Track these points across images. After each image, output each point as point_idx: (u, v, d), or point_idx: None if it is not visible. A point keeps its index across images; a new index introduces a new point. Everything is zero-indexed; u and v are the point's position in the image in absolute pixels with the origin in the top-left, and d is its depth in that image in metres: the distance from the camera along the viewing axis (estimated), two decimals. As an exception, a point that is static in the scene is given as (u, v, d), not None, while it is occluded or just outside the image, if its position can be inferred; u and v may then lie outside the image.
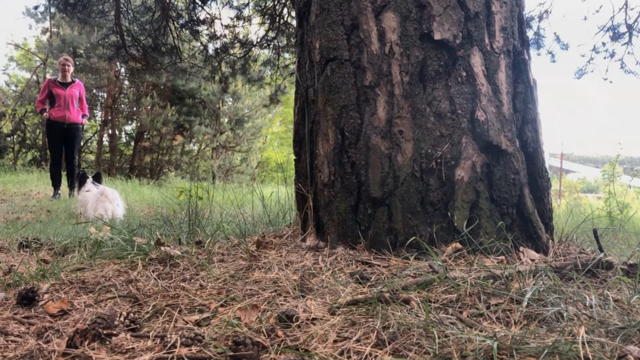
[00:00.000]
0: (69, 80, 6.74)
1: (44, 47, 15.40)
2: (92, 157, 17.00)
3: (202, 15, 7.00)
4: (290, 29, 7.06)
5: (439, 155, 1.84)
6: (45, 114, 6.63)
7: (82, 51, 14.27)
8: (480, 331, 1.11)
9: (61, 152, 6.90)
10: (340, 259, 1.77)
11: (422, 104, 1.87)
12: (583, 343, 0.98)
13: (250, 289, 1.48)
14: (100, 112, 16.83)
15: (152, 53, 6.87)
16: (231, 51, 7.42)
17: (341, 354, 1.02)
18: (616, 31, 6.66)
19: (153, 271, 1.70)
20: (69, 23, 13.26)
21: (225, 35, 7.27)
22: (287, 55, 8.03)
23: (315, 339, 1.09)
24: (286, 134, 23.13)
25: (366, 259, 1.76)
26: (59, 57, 7.07)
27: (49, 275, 1.68)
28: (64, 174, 7.11)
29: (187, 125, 15.48)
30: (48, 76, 12.51)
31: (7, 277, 1.66)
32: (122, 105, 17.01)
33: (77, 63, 14.20)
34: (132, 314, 1.20)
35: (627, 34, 6.57)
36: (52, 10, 10.95)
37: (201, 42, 7.48)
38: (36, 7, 8.25)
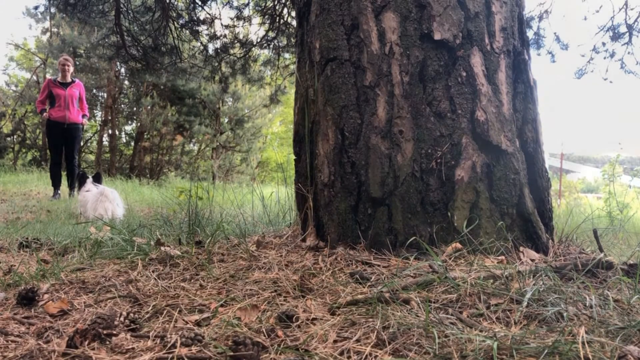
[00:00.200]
0: (69, 80, 6.74)
1: (44, 47, 15.40)
2: (92, 157, 17.00)
3: (202, 15, 7.01)
4: (290, 29, 7.06)
5: (439, 155, 1.84)
6: (45, 114, 6.63)
7: (82, 51, 14.28)
8: (480, 331, 1.11)
9: (61, 152, 6.90)
10: (340, 259, 1.77)
11: (422, 104, 1.87)
12: (583, 343, 0.98)
13: (250, 289, 1.48)
14: (100, 112, 16.84)
15: (152, 53, 6.87)
16: (231, 51, 7.42)
17: (341, 354, 1.02)
18: (616, 31, 6.66)
19: (153, 271, 1.70)
20: (69, 23, 13.26)
21: (225, 35, 7.27)
22: (287, 55, 8.03)
23: (315, 339, 1.09)
24: (286, 134, 23.13)
25: (366, 259, 1.76)
26: (58, 57, 7.07)
27: (49, 275, 1.68)
28: (64, 174, 7.11)
29: (187, 125, 15.48)
30: (48, 76, 12.52)
31: (7, 277, 1.66)
32: (122, 105, 17.02)
33: (77, 63, 14.20)
34: (132, 314, 1.20)
35: (627, 34, 6.57)
36: (52, 10, 10.96)
37: (201, 42, 7.48)
38: (36, 7, 8.27)
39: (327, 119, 2.00)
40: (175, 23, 6.78)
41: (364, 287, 1.47)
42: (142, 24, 6.88)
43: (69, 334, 1.09)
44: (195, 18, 6.91)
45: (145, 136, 15.72)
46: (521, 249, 1.81)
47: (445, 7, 1.89)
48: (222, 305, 1.34)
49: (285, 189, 3.32)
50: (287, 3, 6.69)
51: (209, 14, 7.01)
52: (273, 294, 1.44)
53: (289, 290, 1.46)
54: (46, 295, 1.44)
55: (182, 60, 7.49)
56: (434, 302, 1.30)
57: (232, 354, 0.99)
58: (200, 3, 6.87)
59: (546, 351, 0.96)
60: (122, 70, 15.36)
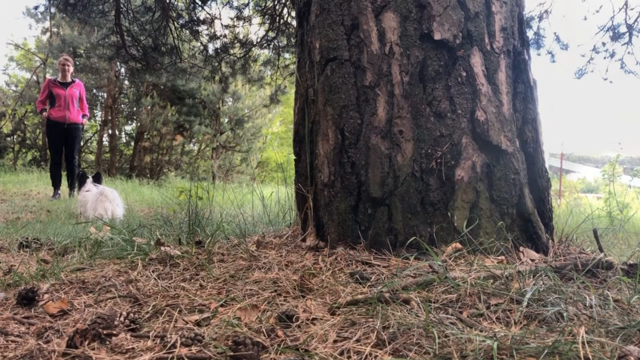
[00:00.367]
0: (69, 80, 6.74)
1: (44, 47, 15.40)
2: (92, 157, 17.00)
3: (202, 15, 7.01)
4: (290, 29, 7.06)
5: (439, 155, 1.84)
6: (45, 113, 6.63)
7: (82, 51, 14.28)
8: (480, 331, 1.11)
9: (61, 152, 6.90)
10: (340, 259, 1.77)
11: (422, 104, 1.87)
12: (583, 343, 0.98)
13: (250, 289, 1.48)
14: (100, 112, 16.84)
15: (152, 53, 6.87)
16: (231, 51, 7.41)
17: (341, 354, 1.02)
18: (616, 31, 6.66)
19: (153, 271, 1.70)
20: (69, 23, 13.26)
21: (225, 35, 7.27)
22: (287, 55, 8.03)
23: (315, 339, 1.09)
24: (286, 134, 23.13)
25: (366, 259, 1.76)
26: (58, 57, 7.07)
27: (49, 275, 1.68)
28: (64, 174, 7.11)
29: (187, 125, 15.48)
30: (48, 76, 12.52)
31: (7, 277, 1.66)
32: (122, 105, 17.02)
33: (77, 63, 14.20)
34: (132, 314, 1.20)
35: (627, 34, 6.57)
36: (52, 10, 10.96)
37: (201, 42, 7.48)
38: (36, 7, 8.27)
39: (327, 119, 2.00)
40: (175, 23, 6.78)
41: (364, 287, 1.47)
42: (142, 24, 6.88)
43: (69, 334, 1.09)
44: (195, 18, 6.91)
45: (145, 136, 15.72)
46: (521, 249, 1.81)
47: (445, 7, 1.89)
48: (222, 305, 1.34)
49: (285, 189, 3.32)
50: (287, 3, 6.69)
51: (209, 14, 7.01)
52: (273, 294, 1.44)
53: (289, 290, 1.46)
54: (46, 295, 1.44)
55: (182, 60, 7.49)
56: (434, 302, 1.30)
57: (232, 354, 0.99)
58: (200, 3, 6.87)
59: (546, 351, 0.96)
60: (122, 70, 15.37)
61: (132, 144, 16.51)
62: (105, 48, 8.21)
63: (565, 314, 1.18)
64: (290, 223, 2.59)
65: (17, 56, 18.49)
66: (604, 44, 6.88)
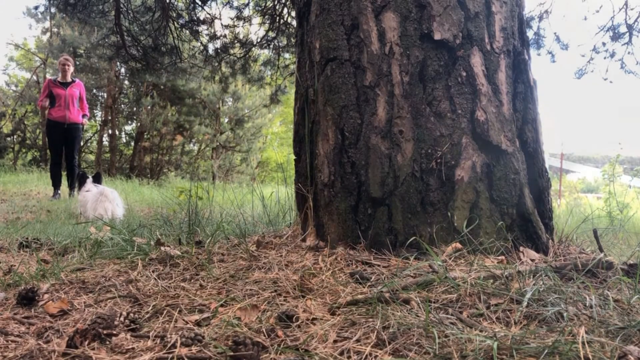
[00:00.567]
0: (69, 80, 6.74)
1: (44, 47, 15.41)
2: (92, 157, 17.00)
3: (202, 15, 7.01)
4: (290, 29, 7.06)
5: (439, 155, 1.84)
6: (47, 102, 6.61)
7: (82, 51, 14.28)
8: (480, 331, 1.11)
9: (61, 152, 6.90)
10: (340, 259, 1.77)
11: (422, 104, 1.87)
12: (583, 343, 0.98)
13: (250, 289, 1.48)
14: (100, 112, 16.84)
15: (152, 53, 6.87)
16: (231, 51, 7.41)
17: (341, 354, 1.02)
18: (616, 31, 6.66)
19: (153, 271, 1.70)
20: (69, 23, 13.26)
21: (225, 35, 7.27)
22: (287, 55, 8.03)
23: (315, 339, 1.09)
24: (286, 134, 23.13)
25: (366, 259, 1.76)
26: (59, 57, 7.07)
27: (49, 275, 1.68)
28: (64, 174, 7.11)
29: (187, 125, 15.48)
30: (48, 76, 12.53)
31: (7, 277, 1.66)
32: (122, 105, 17.02)
33: (77, 63, 14.20)
34: (132, 314, 1.20)
35: (627, 34, 6.57)
36: (52, 10, 10.96)
37: (201, 42, 7.47)
38: (36, 7, 8.26)
39: (327, 119, 2.00)
40: (175, 23, 6.78)
41: (364, 287, 1.47)
42: (142, 24, 6.88)
43: (69, 334, 1.09)
44: (195, 18, 6.90)
45: (145, 136, 15.73)
46: (521, 249, 1.81)
47: (445, 7, 1.89)
48: (222, 305, 1.34)
49: (285, 189, 3.32)
50: (287, 3, 6.69)
51: (209, 14, 7.01)
52: (273, 294, 1.44)
53: (289, 290, 1.46)
54: (46, 295, 1.44)
55: (182, 60, 7.49)
56: (434, 302, 1.30)
57: (232, 354, 0.99)
58: (200, 3, 6.86)
59: (546, 351, 0.96)
60: (122, 70, 15.36)
61: (132, 144, 16.51)
62: (105, 48, 8.21)
63: (565, 314, 1.18)
64: (290, 223, 2.59)
65: (17, 56, 18.49)
66: (604, 44, 6.88)
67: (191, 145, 17.03)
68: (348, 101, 1.95)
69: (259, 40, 7.39)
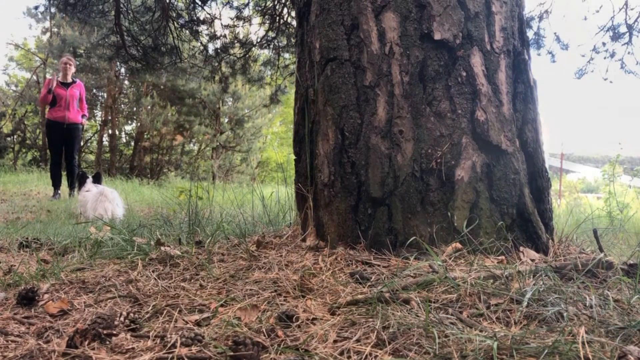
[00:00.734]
0: (70, 80, 6.75)
1: (44, 47, 15.41)
2: (92, 157, 17.00)
3: (202, 15, 7.00)
4: (290, 29, 7.06)
5: (439, 155, 1.84)
6: (54, 77, 6.60)
7: (82, 51, 14.28)
8: (480, 331, 1.11)
9: (61, 152, 6.90)
10: (340, 259, 1.77)
11: (422, 104, 1.87)
12: (583, 343, 0.98)
13: (250, 289, 1.48)
14: (100, 112, 16.84)
15: (152, 53, 6.87)
16: (231, 51, 7.41)
17: (341, 354, 1.02)
18: (616, 31, 6.66)
19: (153, 271, 1.70)
20: (69, 23, 13.27)
21: (225, 35, 7.27)
22: (287, 55, 8.03)
23: (315, 339, 1.09)
24: (286, 134, 23.13)
25: (366, 259, 1.76)
26: (61, 57, 7.08)
27: (49, 275, 1.68)
28: (64, 174, 7.12)
29: (187, 125, 15.48)
30: (48, 76, 12.51)
31: (7, 277, 1.66)
32: (122, 105, 17.02)
33: (77, 63, 14.19)
34: (132, 314, 1.20)
35: (627, 34, 6.57)
36: (52, 10, 10.96)
37: (201, 42, 7.47)
38: (36, 7, 8.26)
39: (327, 119, 2.00)
40: (175, 23, 6.78)
41: (364, 287, 1.47)
42: (142, 24, 6.88)
43: (69, 334, 1.09)
44: (195, 18, 6.90)
45: (145, 136, 15.73)
46: (521, 249, 1.81)
47: (445, 7, 1.89)
48: (222, 305, 1.34)
49: (285, 189, 3.32)
50: (287, 3, 6.69)
51: (209, 14, 7.01)
52: (273, 294, 1.44)
53: (289, 290, 1.46)
54: (46, 295, 1.44)
55: (182, 60, 7.49)
56: (434, 302, 1.30)
57: (232, 354, 0.99)
58: (200, 3, 6.86)
59: (546, 351, 0.96)
60: (122, 70, 15.36)
61: (132, 144, 16.51)
62: (105, 48, 8.21)
63: (565, 314, 1.18)
64: (290, 223, 2.59)
65: (17, 56, 18.49)
66: (604, 44, 6.88)
67: (191, 145, 17.03)
68: (348, 101, 1.95)
69: (259, 40, 7.39)
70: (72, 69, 6.81)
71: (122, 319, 1.16)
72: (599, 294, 1.34)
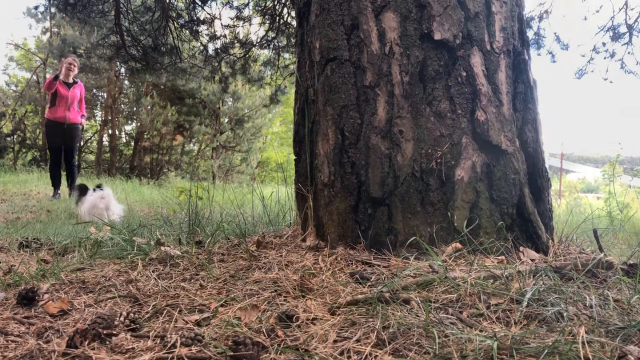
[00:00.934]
0: (71, 80, 6.75)
1: (44, 47, 15.40)
2: (92, 157, 17.00)
3: (202, 15, 7.00)
4: (290, 29, 7.05)
5: (439, 155, 1.84)
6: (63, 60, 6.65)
7: (82, 51, 14.27)
8: (480, 331, 1.11)
9: (61, 152, 6.90)
10: (340, 259, 1.77)
11: (422, 104, 1.87)
12: (583, 343, 0.98)
13: (250, 289, 1.48)
14: (100, 112, 16.83)
15: (152, 53, 6.86)
16: (231, 51, 7.41)
17: (341, 354, 1.02)
18: (616, 31, 6.66)
19: (153, 271, 1.70)
20: (69, 23, 13.26)
21: (225, 35, 7.26)
22: (287, 55, 8.02)
23: (315, 339, 1.09)
24: (286, 134, 23.13)
25: (366, 259, 1.76)
26: (66, 56, 7.07)
27: (49, 275, 1.68)
28: (63, 174, 7.12)
29: (187, 125, 15.48)
30: (48, 76, 12.51)
31: (7, 277, 1.66)
32: (122, 105, 17.01)
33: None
34: (132, 314, 1.20)
35: (627, 34, 6.57)
36: (52, 10, 10.96)
37: (201, 42, 7.47)
38: (36, 7, 8.25)
39: (327, 119, 2.00)
40: (175, 23, 6.78)
41: (364, 287, 1.47)
42: (142, 24, 6.88)
43: (69, 334, 1.09)
44: (195, 18, 6.90)
45: (145, 136, 15.72)
46: (521, 249, 1.81)
47: (445, 7, 1.89)
48: (222, 305, 1.34)
49: (285, 189, 3.32)
50: (287, 3, 6.69)
51: (209, 14, 7.00)
52: (273, 294, 1.44)
53: (289, 290, 1.46)
54: (46, 295, 1.44)
55: (182, 60, 7.49)
56: (434, 302, 1.30)
57: (232, 354, 0.99)
58: (200, 3, 6.86)
59: (546, 351, 0.96)
60: (122, 70, 15.35)
61: (132, 144, 16.50)
62: (105, 48, 8.20)
63: (565, 314, 1.18)
64: (290, 223, 2.59)
65: (17, 56, 18.49)
66: (604, 44, 6.88)
67: (191, 145, 17.02)
68: (348, 101, 1.95)
69: (259, 40, 7.39)
70: (75, 71, 6.82)
71: (122, 319, 1.16)
72: (599, 294, 1.34)
